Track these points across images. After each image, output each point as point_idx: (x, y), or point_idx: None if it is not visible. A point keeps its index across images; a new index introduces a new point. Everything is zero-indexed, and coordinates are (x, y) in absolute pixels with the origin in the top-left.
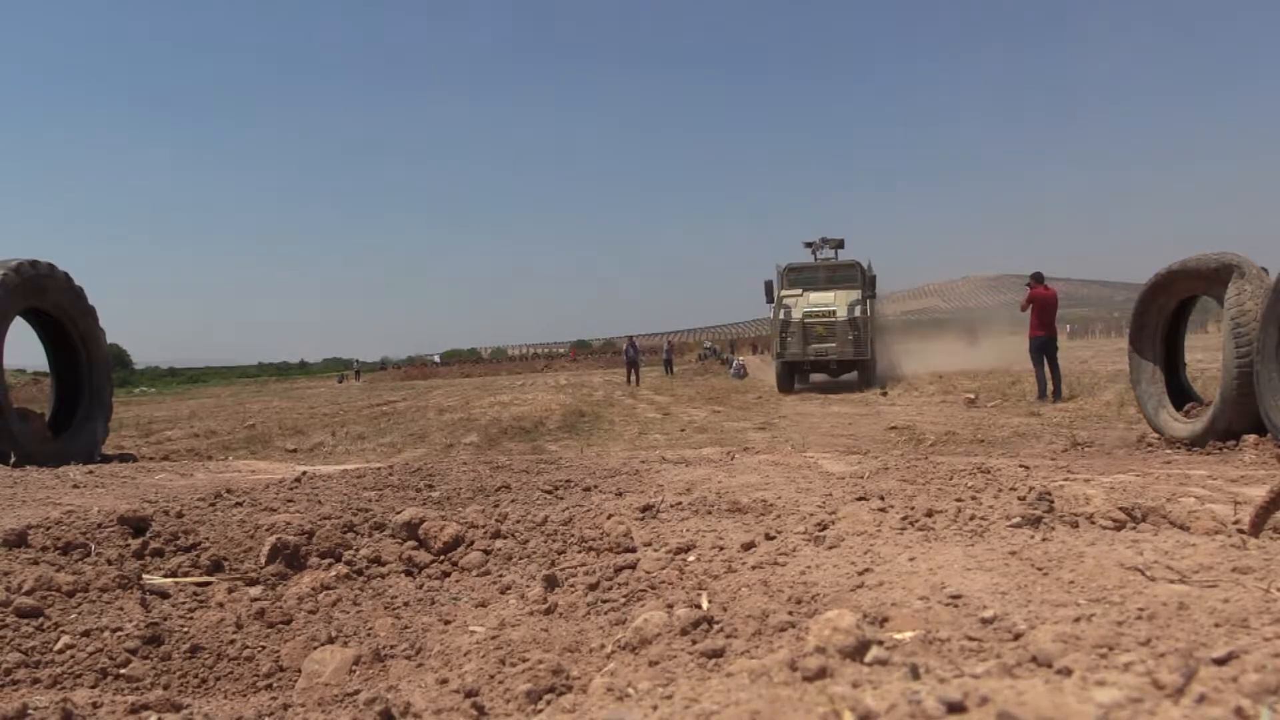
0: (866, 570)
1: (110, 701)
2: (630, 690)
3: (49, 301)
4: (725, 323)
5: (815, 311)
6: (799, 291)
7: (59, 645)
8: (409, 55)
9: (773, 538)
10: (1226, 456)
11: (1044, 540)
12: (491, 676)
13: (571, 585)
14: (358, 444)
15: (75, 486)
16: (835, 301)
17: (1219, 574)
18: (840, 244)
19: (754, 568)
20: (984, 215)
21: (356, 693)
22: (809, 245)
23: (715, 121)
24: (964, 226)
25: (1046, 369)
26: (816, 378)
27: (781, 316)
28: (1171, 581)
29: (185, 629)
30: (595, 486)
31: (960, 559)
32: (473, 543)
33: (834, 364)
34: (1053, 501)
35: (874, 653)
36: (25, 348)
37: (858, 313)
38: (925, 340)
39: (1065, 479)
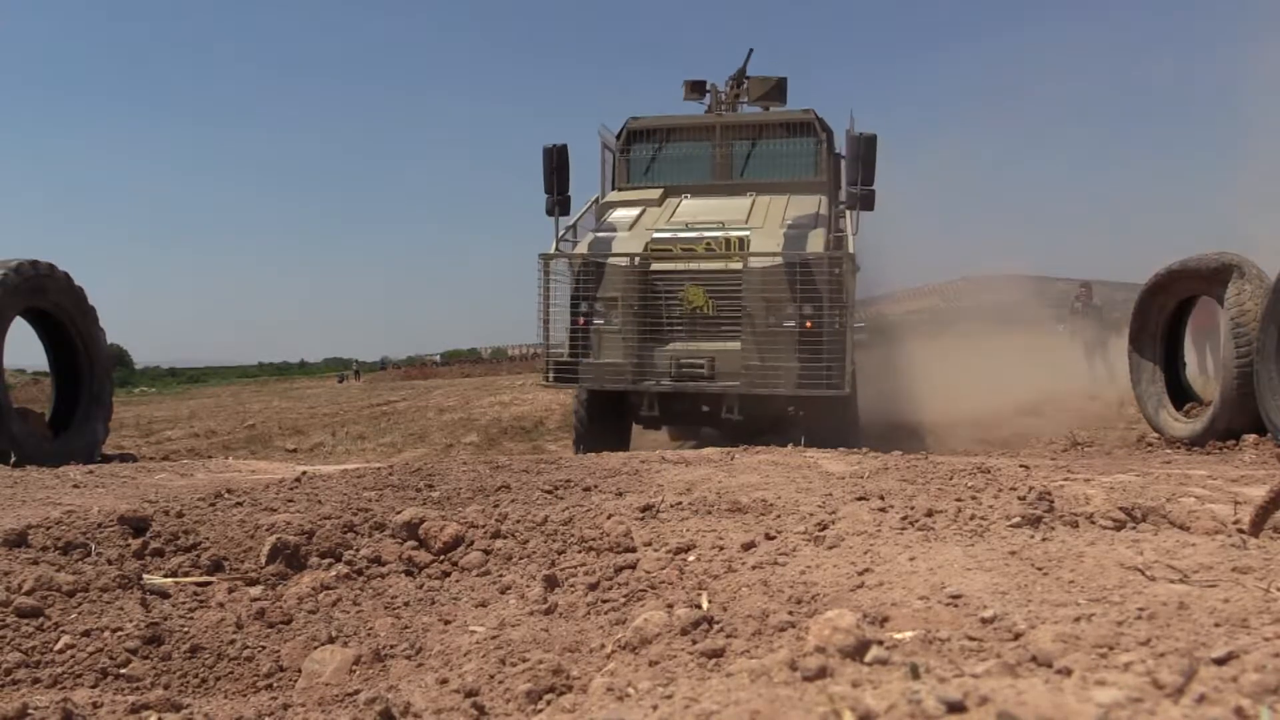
0: (866, 570)
1: (110, 701)
2: (630, 690)
3: (49, 301)
4: None
5: (684, 238)
6: (654, 194)
7: (59, 645)
8: (409, 54)
9: (773, 538)
10: (1226, 456)
11: (1044, 540)
12: (492, 676)
13: (571, 585)
14: (358, 444)
15: (75, 486)
16: (751, 214)
17: (1219, 574)
18: (776, 90)
19: (754, 568)
20: (981, 215)
21: (356, 692)
22: (696, 90)
23: None
24: (961, 226)
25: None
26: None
27: (585, 249)
28: (1171, 581)
29: (185, 629)
30: (595, 486)
31: (960, 559)
32: (473, 543)
33: (733, 404)
34: (1053, 501)
35: (874, 652)
36: (25, 348)
37: (815, 244)
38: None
39: (1065, 479)
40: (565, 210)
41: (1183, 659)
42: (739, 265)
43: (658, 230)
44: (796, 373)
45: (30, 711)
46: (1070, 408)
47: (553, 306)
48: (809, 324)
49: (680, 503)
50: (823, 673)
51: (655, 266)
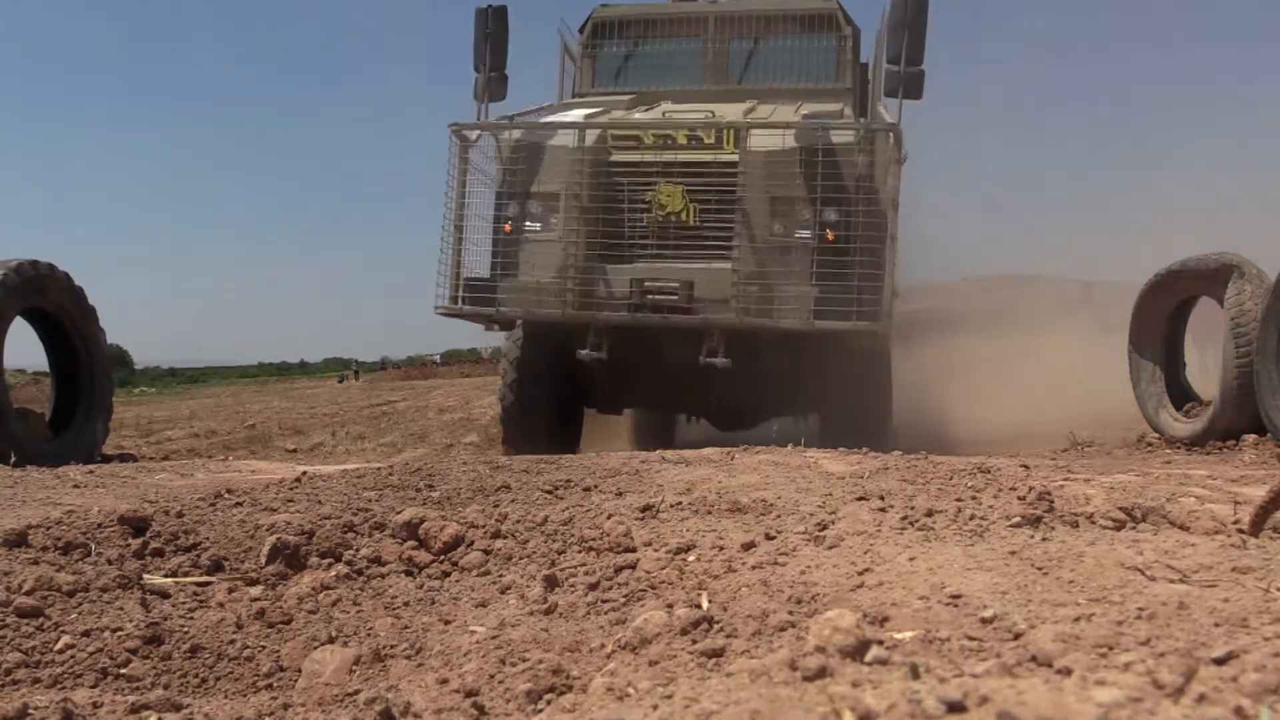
0: (866, 570)
1: (110, 701)
2: (630, 690)
3: (49, 301)
4: None
5: (657, 122)
6: (625, 99)
7: (59, 645)
8: (409, 51)
9: (773, 538)
10: (1226, 456)
11: (1044, 540)
12: (492, 676)
13: (571, 585)
14: (358, 444)
15: (75, 486)
16: (751, 114)
17: (1219, 574)
18: None
19: (754, 568)
20: (981, 215)
21: (356, 692)
22: None
23: None
24: (959, 225)
25: None
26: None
27: (513, 148)
28: (1171, 581)
29: (185, 629)
30: (595, 486)
31: (960, 559)
32: (473, 543)
33: (718, 344)
34: (1053, 501)
35: (874, 652)
36: (25, 348)
37: (841, 137)
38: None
39: (1065, 479)
40: (500, 94)
41: (1183, 659)
42: (733, 155)
43: (624, 127)
44: (812, 299)
45: (30, 711)
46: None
47: (469, 210)
48: (831, 235)
49: (680, 503)
50: (823, 672)
51: (617, 157)
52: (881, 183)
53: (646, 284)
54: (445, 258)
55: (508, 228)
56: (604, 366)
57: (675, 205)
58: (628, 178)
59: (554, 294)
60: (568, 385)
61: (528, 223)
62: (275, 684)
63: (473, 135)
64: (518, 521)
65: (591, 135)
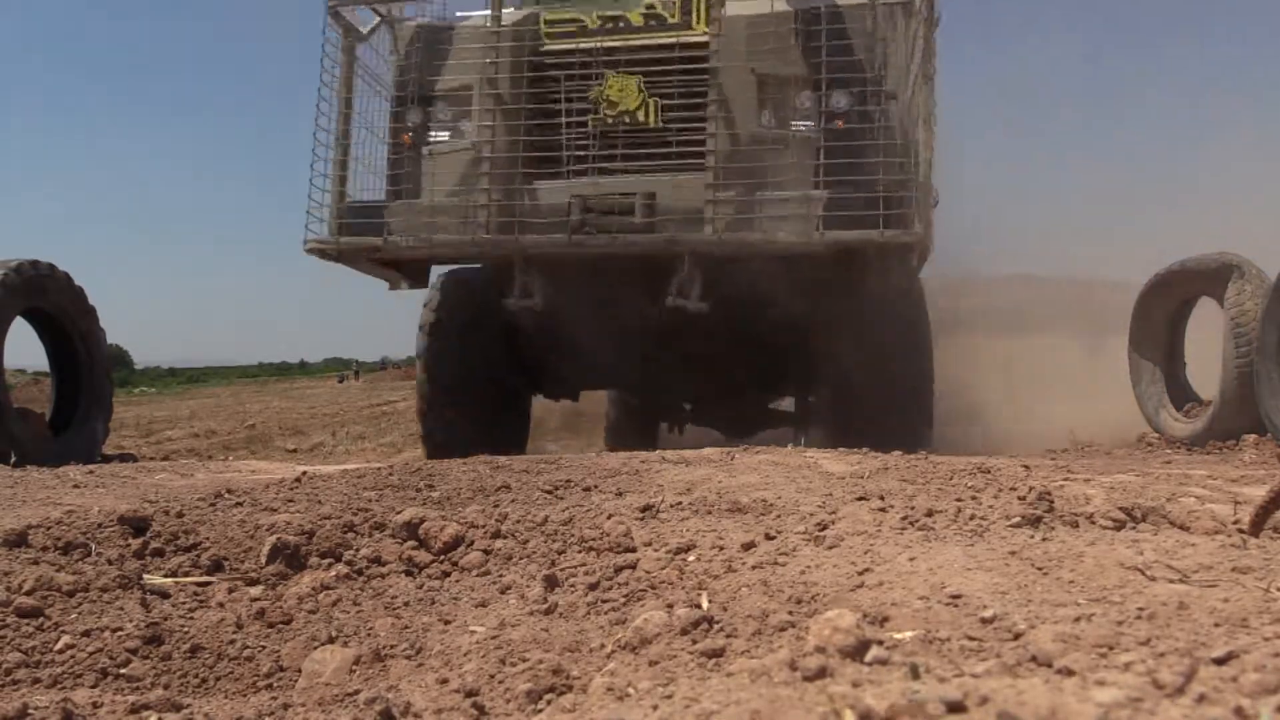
0: (866, 570)
1: (110, 701)
2: (630, 690)
3: (49, 301)
4: None
5: (599, 17)
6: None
7: (59, 645)
8: None
9: (773, 538)
10: (1226, 456)
11: (1044, 540)
12: (492, 676)
13: (571, 585)
14: (358, 444)
15: (75, 486)
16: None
17: (1219, 574)
18: None
19: (754, 567)
20: (975, 213)
21: (357, 692)
22: None
23: None
24: (956, 223)
25: None
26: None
27: (413, 35)
28: (1171, 581)
29: (185, 629)
30: (595, 486)
31: (960, 559)
32: (473, 543)
33: (691, 278)
34: (1053, 501)
35: (874, 652)
36: (25, 348)
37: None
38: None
39: (1065, 479)
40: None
41: (1183, 659)
42: (702, 36)
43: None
44: (819, 204)
45: (30, 711)
46: None
47: (357, 123)
48: (842, 123)
49: (680, 503)
50: (823, 672)
51: (550, 46)
52: (908, 50)
53: (591, 202)
54: (321, 180)
55: (406, 139)
56: (539, 320)
57: (629, 102)
58: (565, 70)
59: (463, 216)
60: (503, 362)
61: (432, 132)
62: (275, 684)
63: (364, 28)
64: (518, 521)
65: (515, 15)
